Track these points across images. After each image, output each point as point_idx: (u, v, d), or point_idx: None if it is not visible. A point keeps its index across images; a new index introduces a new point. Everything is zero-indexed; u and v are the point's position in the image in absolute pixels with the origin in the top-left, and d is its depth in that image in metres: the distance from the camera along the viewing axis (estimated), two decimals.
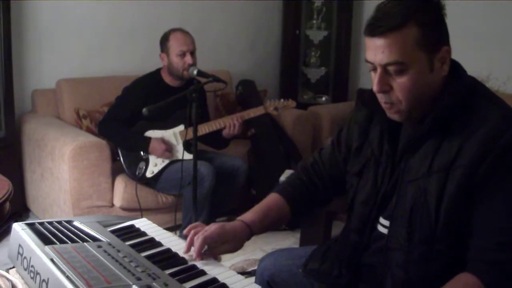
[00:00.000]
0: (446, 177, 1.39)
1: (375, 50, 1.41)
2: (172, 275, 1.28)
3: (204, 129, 3.64)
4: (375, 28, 1.40)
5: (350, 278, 1.65)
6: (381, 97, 1.48)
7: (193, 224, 1.61)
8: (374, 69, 1.44)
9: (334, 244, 1.76)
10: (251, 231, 1.65)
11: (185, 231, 1.57)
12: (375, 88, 1.45)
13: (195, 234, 1.52)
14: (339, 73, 5.68)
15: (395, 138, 1.57)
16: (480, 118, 1.40)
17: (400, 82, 1.41)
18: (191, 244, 1.50)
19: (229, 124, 3.68)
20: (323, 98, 5.78)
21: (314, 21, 5.66)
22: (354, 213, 1.67)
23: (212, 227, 1.56)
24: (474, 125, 1.39)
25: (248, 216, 1.70)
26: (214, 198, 3.61)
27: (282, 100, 3.94)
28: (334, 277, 1.68)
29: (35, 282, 1.28)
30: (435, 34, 1.40)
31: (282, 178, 3.69)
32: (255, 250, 3.71)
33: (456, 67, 1.50)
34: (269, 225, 1.74)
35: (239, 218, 1.68)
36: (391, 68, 1.40)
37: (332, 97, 5.74)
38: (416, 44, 1.38)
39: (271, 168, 4.16)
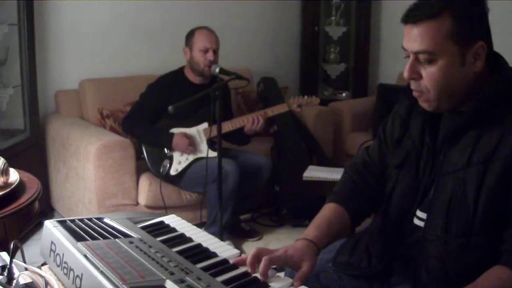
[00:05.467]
0: (486, 169, 1.38)
1: (409, 37, 1.42)
2: (204, 269, 1.29)
3: (228, 126, 3.66)
4: (410, 16, 1.41)
5: (380, 269, 1.64)
6: (411, 84, 1.49)
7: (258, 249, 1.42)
8: (409, 56, 1.45)
9: (363, 237, 1.75)
10: (317, 247, 1.52)
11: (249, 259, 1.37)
12: (405, 74, 1.46)
13: (258, 254, 1.37)
14: (359, 68, 5.65)
15: (435, 131, 1.56)
16: None
17: (429, 71, 1.42)
18: (254, 263, 1.35)
19: (253, 119, 3.68)
20: (344, 94, 5.76)
21: (333, 18, 5.63)
22: (392, 205, 1.65)
23: (277, 253, 1.43)
24: None
25: (311, 232, 1.56)
26: (238, 195, 3.62)
27: (305, 96, 3.92)
28: (363, 269, 1.67)
29: (69, 278, 1.29)
30: (470, 28, 1.39)
31: (306, 174, 3.70)
32: (278, 246, 3.71)
33: (497, 58, 1.49)
34: (333, 238, 1.62)
35: (302, 236, 1.55)
36: (421, 57, 1.41)
37: (352, 92, 5.72)
38: (448, 35, 1.37)
39: (294, 164, 4.17)
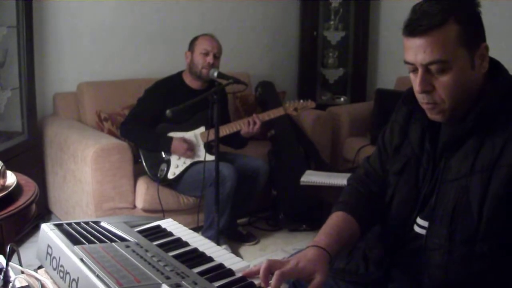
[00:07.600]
0: (490, 177, 1.37)
1: (416, 50, 1.40)
2: (200, 274, 1.29)
3: (224, 130, 3.66)
4: (416, 28, 1.39)
5: (378, 276, 1.63)
6: (423, 98, 1.47)
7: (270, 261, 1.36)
8: (414, 70, 1.44)
9: (360, 243, 1.74)
10: (329, 254, 1.46)
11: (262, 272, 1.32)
12: (417, 88, 1.43)
13: (269, 267, 1.32)
14: (357, 73, 5.67)
15: (435, 137, 1.55)
16: None
17: (442, 81, 1.40)
18: (267, 276, 1.30)
19: (249, 121, 3.69)
20: (342, 99, 5.78)
21: (332, 22, 5.65)
22: (391, 212, 1.64)
23: (289, 266, 1.37)
24: None
25: (322, 240, 1.50)
26: (235, 199, 3.63)
27: (301, 100, 3.93)
28: (360, 275, 1.67)
29: (65, 282, 1.28)
30: (474, 31, 1.40)
31: (303, 178, 3.70)
32: (276, 251, 3.72)
33: (495, 65, 1.49)
34: (344, 245, 1.57)
35: (312, 244, 1.49)
36: (433, 67, 1.39)
37: (350, 97, 5.74)
38: (457, 41, 1.37)
39: (292, 169, 4.17)
